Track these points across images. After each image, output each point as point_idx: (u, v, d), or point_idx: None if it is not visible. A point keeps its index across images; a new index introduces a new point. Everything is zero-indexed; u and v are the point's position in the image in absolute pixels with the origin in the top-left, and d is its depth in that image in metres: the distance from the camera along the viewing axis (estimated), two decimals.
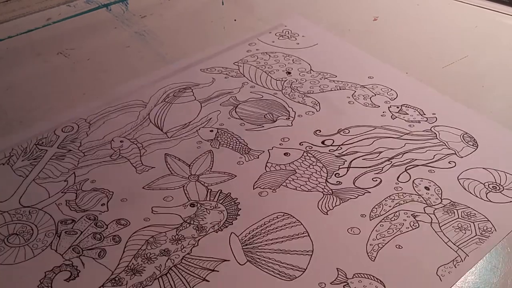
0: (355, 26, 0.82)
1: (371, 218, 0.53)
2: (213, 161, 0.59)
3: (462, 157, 0.59)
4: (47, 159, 0.59)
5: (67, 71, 0.73)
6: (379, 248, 0.50)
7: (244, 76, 0.71)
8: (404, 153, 0.60)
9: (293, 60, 0.74)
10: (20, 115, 0.66)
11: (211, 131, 0.63)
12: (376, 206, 0.54)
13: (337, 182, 0.57)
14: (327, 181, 0.57)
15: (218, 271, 0.48)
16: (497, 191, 0.55)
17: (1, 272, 0.48)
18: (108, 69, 0.73)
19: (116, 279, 0.47)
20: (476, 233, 0.51)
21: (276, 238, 0.51)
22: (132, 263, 0.48)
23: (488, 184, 0.56)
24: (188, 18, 0.85)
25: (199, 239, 0.51)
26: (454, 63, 0.74)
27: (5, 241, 0.50)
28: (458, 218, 0.53)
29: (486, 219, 0.52)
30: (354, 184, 0.56)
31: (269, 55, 0.75)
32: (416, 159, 0.59)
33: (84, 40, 0.80)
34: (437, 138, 0.61)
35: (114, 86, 0.70)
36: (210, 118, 0.64)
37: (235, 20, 0.83)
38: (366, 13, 0.85)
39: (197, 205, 0.54)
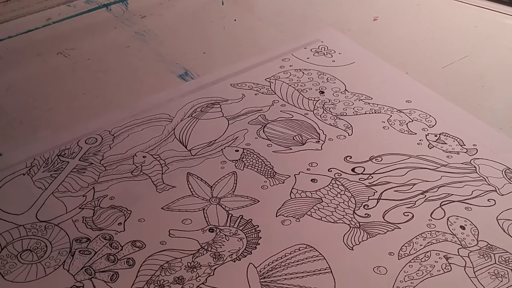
0: (355, 26, 0.81)
1: (399, 257, 0.49)
2: (236, 183, 0.57)
3: (503, 195, 0.55)
4: (68, 171, 0.58)
5: (67, 71, 0.73)
6: None
7: (275, 93, 0.68)
8: (440, 186, 0.56)
9: (327, 78, 0.71)
10: (20, 115, 0.66)
11: (237, 151, 0.60)
12: (406, 244, 0.50)
13: (365, 214, 0.53)
14: (355, 213, 0.53)
15: None
16: None
17: None
18: (108, 69, 0.73)
19: None
20: None
21: (296, 273, 0.48)
22: None
23: None
24: (188, 18, 0.84)
25: (215, 268, 0.48)
26: (454, 63, 0.73)
27: (18, 257, 0.49)
28: (495, 263, 0.49)
29: None
30: (383, 218, 0.53)
31: (303, 72, 0.72)
32: (452, 194, 0.55)
33: (84, 40, 0.79)
34: (476, 172, 0.57)
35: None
36: (237, 137, 0.62)
37: (235, 20, 0.82)
38: (366, 13, 0.85)
39: (216, 231, 0.52)
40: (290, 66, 0.73)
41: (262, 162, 0.59)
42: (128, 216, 0.53)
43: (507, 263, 0.49)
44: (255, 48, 0.78)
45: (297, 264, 0.49)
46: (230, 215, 0.53)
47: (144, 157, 0.59)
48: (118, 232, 0.52)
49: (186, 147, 0.61)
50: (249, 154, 0.60)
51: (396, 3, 0.88)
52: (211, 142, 0.62)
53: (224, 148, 0.61)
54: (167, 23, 0.83)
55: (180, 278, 0.48)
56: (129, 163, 0.59)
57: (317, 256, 0.49)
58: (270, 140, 0.62)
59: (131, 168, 0.58)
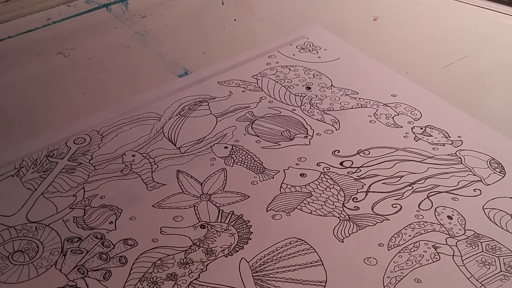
0: (355, 26, 0.82)
1: (389, 248, 0.50)
2: (226, 179, 0.57)
3: (488, 184, 0.56)
4: (57, 172, 0.58)
5: (67, 71, 0.73)
6: (397, 282, 0.47)
7: (262, 90, 0.69)
8: (427, 178, 0.57)
9: (313, 74, 0.72)
10: (20, 115, 0.66)
11: (226, 147, 0.61)
12: (395, 235, 0.51)
13: (354, 207, 0.54)
14: (344, 206, 0.54)
15: None
16: None
17: None
18: (108, 69, 0.73)
19: None
20: (501, 269, 0.48)
21: (288, 266, 0.49)
22: (138, 287, 0.47)
23: None
24: (188, 18, 0.84)
25: (207, 264, 0.49)
26: (454, 63, 0.73)
27: (9, 259, 0.49)
28: (482, 251, 0.50)
29: None
30: (372, 210, 0.54)
31: (289, 69, 0.73)
32: (439, 185, 0.56)
33: (84, 40, 0.79)
34: (462, 163, 0.58)
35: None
36: (225, 134, 0.62)
37: (235, 20, 0.83)
38: (366, 13, 0.85)
39: (207, 227, 0.52)
40: (276, 63, 0.74)
41: (251, 158, 0.59)
42: (119, 214, 0.53)
43: (494, 251, 0.50)
44: (255, 48, 0.78)
45: (289, 258, 0.49)
46: (221, 211, 0.54)
47: (133, 156, 0.60)
48: (110, 231, 0.52)
49: (175, 145, 0.61)
50: (238, 151, 0.60)
51: (396, 3, 0.88)
52: (200, 139, 0.62)
53: (213, 145, 0.61)
54: (167, 23, 0.83)
55: (173, 274, 0.48)
56: (119, 162, 0.59)
57: (308, 249, 0.50)
58: (258, 136, 0.62)
59: (120, 167, 0.58)
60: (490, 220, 0.53)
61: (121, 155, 0.60)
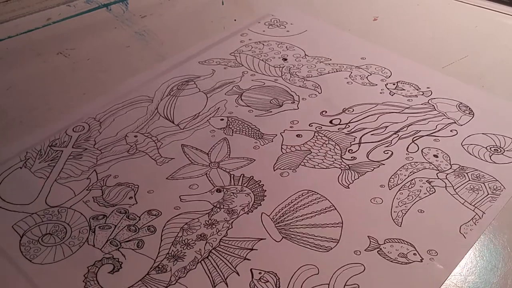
0: (355, 26, 0.83)
1: (390, 188, 0.56)
2: (229, 147, 0.60)
3: (462, 125, 0.63)
4: (64, 159, 0.59)
5: (67, 71, 0.73)
6: (403, 214, 0.53)
7: (243, 65, 0.73)
8: (409, 125, 0.63)
9: (286, 47, 0.76)
10: (20, 115, 0.66)
11: (222, 119, 0.64)
12: (393, 176, 0.57)
13: (351, 157, 0.59)
14: (342, 158, 0.59)
15: (257, 249, 0.50)
16: (499, 153, 0.59)
17: (44, 271, 0.48)
18: (108, 69, 0.73)
19: (160, 266, 0.48)
20: (488, 192, 0.55)
21: (306, 214, 0.53)
22: (172, 250, 0.50)
23: (490, 148, 0.60)
24: (188, 18, 0.85)
25: (232, 222, 0.52)
26: (454, 63, 0.74)
27: (40, 242, 0.50)
28: (469, 180, 0.56)
29: (494, 179, 0.56)
30: (368, 158, 0.59)
31: (263, 44, 0.77)
32: (420, 131, 0.62)
33: (84, 40, 0.79)
34: (436, 110, 0.65)
35: (114, 84, 0.70)
36: (218, 108, 0.66)
37: (235, 20, 0.84)
38: (366, 13, 0.86)
39: (223, 190, 0.55)
40: (249, 40, 0.78)
41: (248, 126, 0.63)
42: (136, 190, 0.55)
43: (479, 179, 0.56)
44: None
45: (304, 207, 0.54)
46: (232, 175, 0.57)
47: (135, 136, 0.62)
48: (132, 205, 0.54)
49: (173, 122, 0.64)
50: (234, 121, 0.64)
51: (396, 3, 0.89)
52: (195, 115, 0.65)
53: (210, 118, 0.64)
54: (167, 23, 0.83)
55: (203, 235, 0.51)
56: (123, 144, 0.61)
57: (319, 198, 0.55)
58: (249, 107, 0.66)
59: (126, 148, 0.60)
60: (470, 153, 0.59)
61: (123, 137, 0.62)
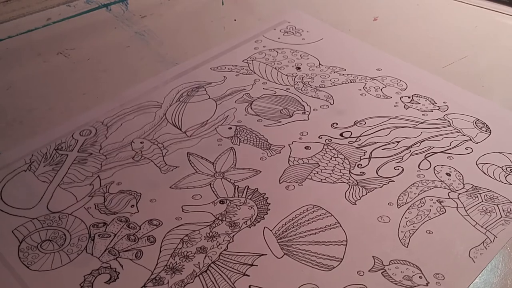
0: (355, 26, 0.82)
1: (398, 206, 0.54)
2: (236, 157, 0.59)
3: (477, 142, 0.61)
4: (69, 163, 0.58)
5: (67, 71, 0.73)
6: (411, 235, 0.51)
7: (255, 73, 0.72)
8: (422, 141, 0.61)
9: (300, 55, 0.75)
10: (20, 115, 0.66)
11: (230, 128, 0.63)
12: (402, 194, 0.55)
13: (360, 172, 0.58)
14: (351, 172, 0.58)
15: (257, 266, 0.48)
16: None
17: (40, 278, 0.47)
18: (108, 69, 0.73)
19: (157, 278, 0.47)
20: (501, 215, 0.53)
21: (309, 230, 0.52)
22: (171, 262, 0.49)
23: (506, 168, 0.58)
24: (188, 18, 0.85)
25: (233, 235, 0.51)
26: (454, 63, 0.74)
27: (39, 248, 0.50)
28: (482, 201, 0.54)
29: (509, 201, 0.54)
30: (377, 173, 0.57)
31: (277, 51, 0.76)
32: (434, 147, 0.60)
33: (84, 40, 0.79)
34: (451, 126, 0.63)
35: (114, 84, 0.70)
36: (227, 116, 0.65)
37: (235, 20, 0.83)
38: (366, 13, 0.86)
39: (226, 202, 0.54)
40: (263, 47, 0.77)
41: (256, 136, 0.62)
42: (139, 198, 0.55)
43: (493, 200, 0.54)
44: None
45: (308, 223, 0.52)
46: (236, 186, 0.56)
47: (141, 142, 0.61)
48: (133, 214, 0.53)
49: (180, 129, 0.63)
50: (242, 130, 0.63)
51: (396, 3, 0.89)
52: (203, 122, 0.64)
53: (217, 127, 0.63)
54: (167, 23, 0.83)
55: (202, 247, 0.50)
56: (129, 150, 0.60)
57: (324, 214, 0.53)
58: (259, 116, 0.65)
59: (131, 154, 0.60)
60: (484, 173, 0.57)
61: (130, 143, 0.61)
